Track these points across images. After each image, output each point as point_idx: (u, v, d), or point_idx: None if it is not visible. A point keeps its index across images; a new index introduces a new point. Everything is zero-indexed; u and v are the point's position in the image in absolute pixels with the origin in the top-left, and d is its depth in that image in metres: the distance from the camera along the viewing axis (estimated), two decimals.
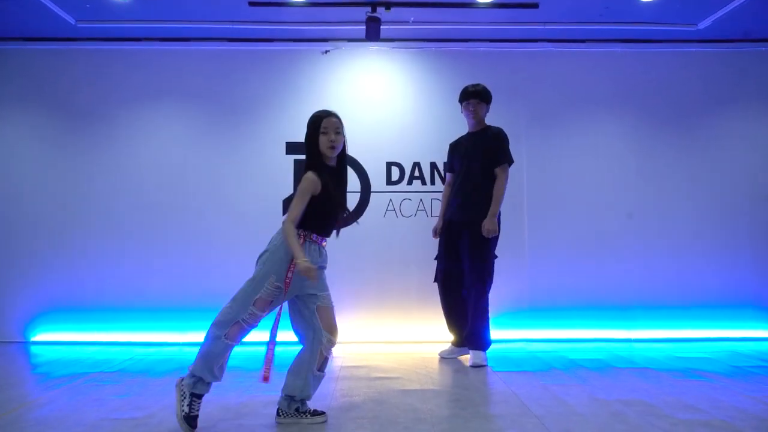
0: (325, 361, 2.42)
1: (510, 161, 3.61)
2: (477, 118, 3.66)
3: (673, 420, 2.40)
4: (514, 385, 2.98)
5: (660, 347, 4.12)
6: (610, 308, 4.43)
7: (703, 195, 4.53)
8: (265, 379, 2.30)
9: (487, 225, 3.46)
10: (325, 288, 2.48)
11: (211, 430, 2.31)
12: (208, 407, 2.60)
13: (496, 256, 3.61)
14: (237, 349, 4.03)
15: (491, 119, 3.76)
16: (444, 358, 3.75)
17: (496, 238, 3.59)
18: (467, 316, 3.61)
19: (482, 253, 3.51)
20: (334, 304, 2.48)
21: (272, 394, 2.81)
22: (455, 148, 3.81)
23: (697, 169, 4.55)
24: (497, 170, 3.55)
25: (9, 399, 2.77)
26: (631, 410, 2.54)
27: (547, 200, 4.49)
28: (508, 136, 3.65)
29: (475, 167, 3.59)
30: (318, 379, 2.42)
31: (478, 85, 3.67)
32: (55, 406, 2.64)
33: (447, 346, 3.81)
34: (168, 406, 2.61)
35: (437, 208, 4.46)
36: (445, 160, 4.43)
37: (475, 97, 3.63)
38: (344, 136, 2.48)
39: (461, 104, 3.70)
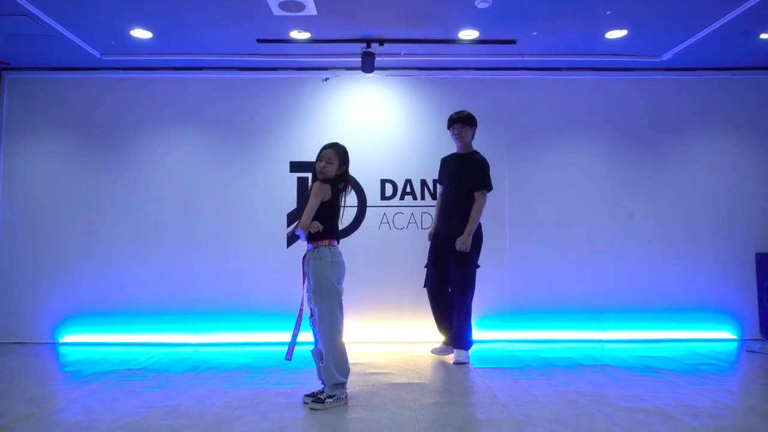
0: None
1: (487, 188, 4.01)
2: (462, 141, 4.11)
3: (616, 407, 2.86)
4: (489, 380, 3.45)
5: (628, 347, 4.56)
6: (584, 311, 4.88)
7: (668, 208, 4.99)
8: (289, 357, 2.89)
9: (460, 241, 3.90)
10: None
11: (231, 414, 2.76)
12: (226, 396, 3.07)
13: (478, 266, 4.06)
14: (249, 349, 4.53)
15: (477, 140, 4.20)
16: (435, 354, 4.20)
17: (479, 249, 4.04)
18: (453, 317, 4.06)
19: (464, 263, 3.95)
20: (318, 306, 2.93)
21: (281, 386, 3.29)
22: (445, 163, 4.26)
23: (663, 185, 5.01)
24: (476, 194, 3.98)
25: (51, 393, 3.22)
26: (583, 399, 3.00)
27: (526, 214, 4.95)
28: (488, 163, 4.07)
29: (459, 188, 4.04)
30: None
31: (462, 111, 4.13)
32: (96, 397, 3.09)
33: (438, 344, 4.26)
34: (192, 397, 3.08)
35: (427, 221, 4.93)
36: (434, 177, 4.92)
37: (459, 122, 4.08)
38: (339, 164, 2.95)
39: (449, 129, 4.16)
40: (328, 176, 2.94)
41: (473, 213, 3.94)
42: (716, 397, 3.06)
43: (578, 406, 2.87)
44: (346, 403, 2.89)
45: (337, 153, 2.96)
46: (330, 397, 2.84)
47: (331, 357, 2.84)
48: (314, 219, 2.86)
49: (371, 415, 2.75)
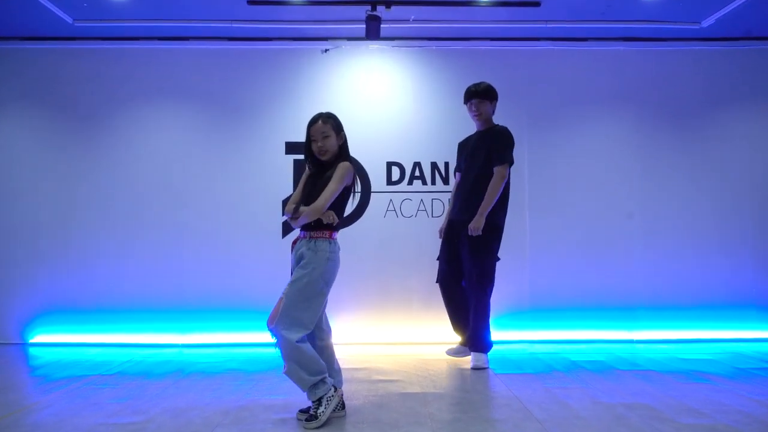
0: None
1: (507, 161, 3.49)
2: (482, 117, 3.62)
3: (677, 425, 2.37)
4: (515, 388, 2.96)
5: (662, 348, 4.09)
6: (612, 309, 4.41)
7: (705, 195, 4.51)
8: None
9: (473, 223, 3.40)
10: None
11: None
12: (207, 410, 2.59)
13: (498, 258, 3.56)
14: (239, 351, 4.04)
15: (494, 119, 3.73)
16: (450, 356, 3.73)
17: (498, 239, 3.54)
18: (469, 316, 3.57)
19: (480, 255, 3.46)
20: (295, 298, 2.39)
21: (271, 398, 2.80)
22: (463, 147, 3.78)
23: (699, 169, 4.53)
24: (495, 169, 3.48)
25: (6, 403, 2.75)
26: (634, 414, 2.51)
27: (548, 200, 4.47)
28: (511, 134, 3.57)
29: (477, 167, 3.55)
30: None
31: (480, 83, 3.63)
32: (52, 411, 2.61)
33: (454, 345, 3.78)
34: (167, 410, 2.59)
35: (438, 209, 4.45)
36: (446, 160, 4.44)
37: (476, 96, 3.59)
38: (336, 134, 2.50)
39: (465, 105, 3.67)
40: (332, 153, 2.49)
41: (490, 189, 3.43)
42: None
43: (630, 424, 2.38)
44: (341, 399, 2.46)
45: (329, 124, 2.49)
46: (318, 405, 2.34)
47: (294, 359, 2.32)
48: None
49: None
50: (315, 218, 2.39)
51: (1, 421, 2.46)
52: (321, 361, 2.40)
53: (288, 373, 2.35)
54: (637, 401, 2.71)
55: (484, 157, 3.52)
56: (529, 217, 4.46)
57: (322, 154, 2.48)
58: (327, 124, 2.48)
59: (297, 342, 2.32)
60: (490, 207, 3.43)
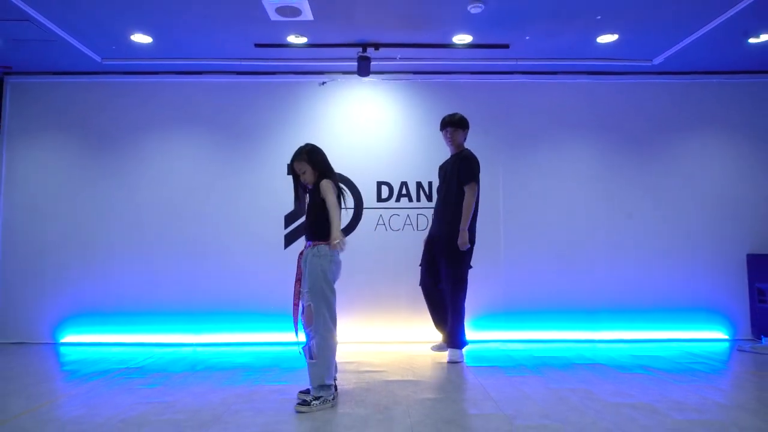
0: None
1: (473, 180, 3.98)
2: (454, 143, 4.17)
3: (605, 403, 2.92)
4: (482, 378, 3.50)
5: (621, 347, 4.60)
6: (578, 312, 4.94)
7: (662, 210, 5.05)
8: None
9: (459, 239, 3.95)
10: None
11: (227, 410, 2.82)
12: (223, 393, 3.13)
13: (470, 266, 4.10)
14: (247, 349, 4.58)
15: (470, 143, 4.26)
16: (435, 351, 4.26)
17: (470, 250, 4.09)
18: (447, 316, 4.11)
19: (454, 264, 3.99)
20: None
21: (278, 384, 3.34)
22: (441, 169, 4.31)
23: (656, 188, 5.07)
24: (465, 188, 4.00)
25: (50, 390, 3.28)
26: (574, 396, 3.05)
27: (521, 215, 5.02)
28: (476, 157, 4.08)
29: (451, 187, 4.09)
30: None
31: (454, 114, 4.18)
32: (94, 394, 3.15)
33: (438, 342, 4.31)
34: (190, 393, 3.13)
35: (423, 223, 5.00)
36: (429, 179, 5.00)
37: (451, 125, 4.14)
38: (312, 168, 3.01)
39: (441, 132, 4.23)
40: (312, 181, 3.03)
41: (464, 207, 3.96)
42: (705, 394, 3.11)
43: (568, 402, 2.93)
44: (333, 405, 2.87)
45: (303, 161, 3.02)
46: (316, 399, 2.82)
47: (320, 357, 2.83)
48: (318, 218, 2.94)
49: (364, 410, 2.80)
50: (338, 241, 2.87)
51: (52, 404, 2.99)
52: (335, 366, 2.91)
53: (313, 365, 2.84)
54: (580, 387, 3.25)
55: (455, 177, 4.05)
56: (504, 230, 5.00)
57: (308, 183, 3.04)
58: (301, 162, 3.02)
59: (331, 341, 2.85)
60: (468, 221, 3.96)
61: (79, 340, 4.83)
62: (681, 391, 3.16)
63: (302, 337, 2.92)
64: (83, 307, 4.87)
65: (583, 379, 3.46)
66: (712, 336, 4.93)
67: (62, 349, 4.62)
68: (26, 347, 4.67)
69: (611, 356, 4.24)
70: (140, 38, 4.32)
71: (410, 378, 3.51)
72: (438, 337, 4.32)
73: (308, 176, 3.02)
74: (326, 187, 2.94)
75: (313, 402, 2.81)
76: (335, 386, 2.96)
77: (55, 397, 3.11)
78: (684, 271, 5.00)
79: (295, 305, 2.98)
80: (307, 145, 3.09)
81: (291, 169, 3.08)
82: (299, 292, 2.97)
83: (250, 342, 4.77)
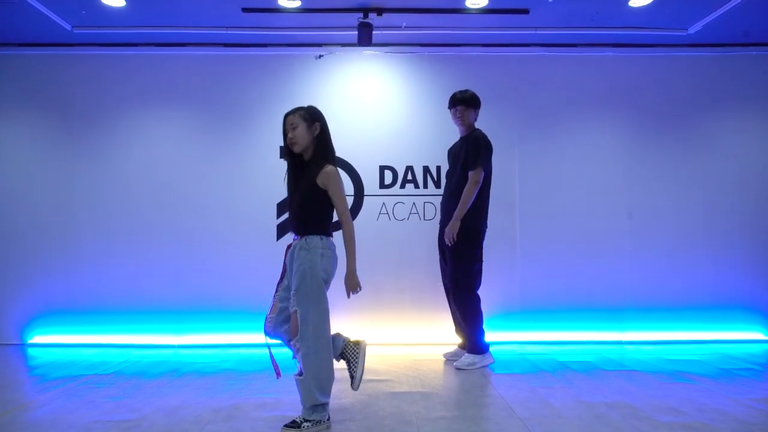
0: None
1: (480, 166, 3.51)
2: (464, 123, 3.69)
3: (655, 422, 2.44)
4: (501, 388, 3.03)
5: (650, 350, 4.15)
6: (601, 310, 4.47)
7: (695, 197, 4.57)
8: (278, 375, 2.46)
9: (448, 227, 3.48)
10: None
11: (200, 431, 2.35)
12: (200, 408, 2.66)
13: (479, 261, 3.61)
14: (234, 351, 4.11)
15: (483, 123, 3.79)
16: (446, 358, 3.79)
17: (476, 243, 3.59)
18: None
19: (460, 257, 3.53)
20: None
21: (263, 396, 2.87)
22: (449, 153, 3.86)
23: (688, 171, 4.59)
24: (469, 174, 3.53)
25: (5, 401, 2.82)
26: (614, 412, 2.58)
27: (538, 203, 4.54)
28: (487, 138, 3.62)
29: (458, 171, 3.63)
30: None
31: (465, 91, 3.70)
32: (48, 409, 2.68)
33: (450, 347, 3.85)
34: (160, 408, 2.66)
35: (430, 212, 4.52)
36: (438, 164, 4.52)
37: (461, 103, 3.66)
38: (309, 123, 2.48)
39: (449, 110, 3.74)
40: (303, 144, 2.47)
41: (463, 194, 3.49)
42: (763, 407, 2.64)
43: (609, 422, 2.45)
44: (328, 427, 2.39)
45: (297, 114, 2.49)
46: (307, 421, 2.33)
47: (311, 373, 2.32)
48: (310, 209, 2.44)
49: (366, 431, 2.33)
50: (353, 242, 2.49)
51: (0, 419, 2.53)
52: (332, 381, 2.39)
53: (300, 382, 2.34)
54: (619, 400, 2.78)
55: (463, 161, 3.60)
56: (520, 220, 4.53)
57: (292, 145, 2.46)
58: (296, 114, 2.48)
59: (323, 352, 2.34)
60: (465, 211, 3.49)
61: (50, 341, 4.37)
62: (736, 406, 2.68)
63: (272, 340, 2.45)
64: (54, 304, 4.40)
65: (618, 390, 2.99)
66: (750, 337, 4.45)
67: (29, 351, 4.17)
68: None
69: (641, 360, 3.78)
70: (112, 0, 3.82)
71: (419, 389, 3.03)
72: (447, 339, 3.85)
73: (299, 136, 2.46)
74: (331, 176, 2.42)
75: (304, 424, 2.32)
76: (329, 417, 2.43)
77: (6, 410, 2.65)
78: (719, 265, 4.51)
79: (271, 311, 2.49)
80: (311, 106, 2.57)
81: (285, 152, 2.55)
82: (279, 293, 2.50)
83: (237, 343, 4.30)
